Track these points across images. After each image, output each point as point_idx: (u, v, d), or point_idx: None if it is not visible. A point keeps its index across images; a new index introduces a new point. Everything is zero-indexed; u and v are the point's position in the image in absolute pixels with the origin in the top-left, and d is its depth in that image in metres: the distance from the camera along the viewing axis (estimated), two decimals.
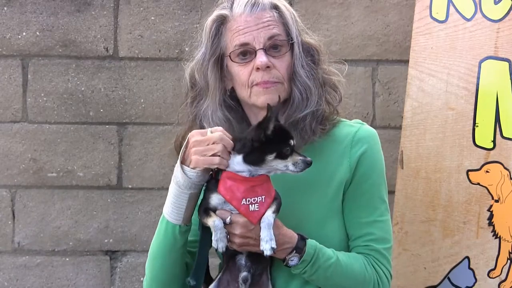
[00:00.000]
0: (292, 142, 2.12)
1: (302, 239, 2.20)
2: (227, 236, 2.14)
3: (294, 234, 2.19)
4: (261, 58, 2.24)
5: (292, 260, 2.18)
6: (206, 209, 2.16)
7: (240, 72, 2.28)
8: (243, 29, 2.26)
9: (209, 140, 2.13)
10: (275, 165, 2.11)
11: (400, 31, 3.48)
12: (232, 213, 2.13)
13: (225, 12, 2.31)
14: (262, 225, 2.11)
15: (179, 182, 2.19)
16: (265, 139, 2.10)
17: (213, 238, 2.13)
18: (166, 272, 2.31)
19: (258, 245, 2.12)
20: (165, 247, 2.28)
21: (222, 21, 2.31)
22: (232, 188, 2.12)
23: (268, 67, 2.25)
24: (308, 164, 2.11)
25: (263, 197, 2.12)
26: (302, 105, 2.28)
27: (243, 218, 2.12)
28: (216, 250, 2.15)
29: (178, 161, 2.18)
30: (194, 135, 2.16)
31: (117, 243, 3.51)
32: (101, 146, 3.50)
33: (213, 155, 2.12)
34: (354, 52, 3.49)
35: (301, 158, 2.11)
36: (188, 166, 2.16)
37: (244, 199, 2.11)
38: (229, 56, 2.29)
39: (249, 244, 2.15)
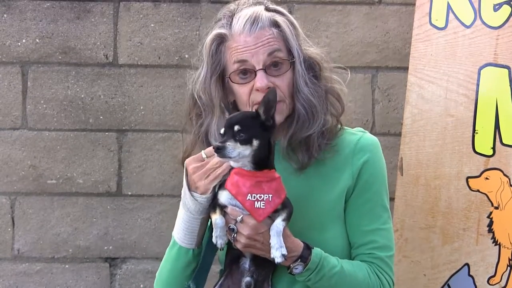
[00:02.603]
0: (222, 129, 2.11)
1: (308, 248, 2.19)
2: (234, 235, 2.13)
3: (300, 242, 2.19)
4: (261, 80, 2.21)
5: (296, 268, 2.18)
6: (214, 205, 2.17)
7: (241, 91, 2.26)
8: (242, 48, 2.23)
9: (207, 163, 2.17)
10: None
11: (399, 38, 3.49)
12: (243, 213, 2.13)
13: (223, 31, 2.27)
14: (271, 232, 2.11)
15: (190, 208, 2.21)
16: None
17: (213, 234, 2.15)
18: None
19: (263, 250, 2.14)
20: (178, 272, 2.30)
21: (221, 40, 2.28)
22: (238, 183, 2.12)
23: (268, 87, 2.21)
24: (215, 149, 2.07)
25: (270, 195, 2.11)
26: (308, 122, 2.25)
27: (253, 221, 2.12)
28: (216, 248, 2.16)
29: (186, 189, 2.20)
30: (191, 163, 2.20)
31: (116, 250, 3.51)
32: (100, 153, 3.50)
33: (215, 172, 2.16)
34: (353, 59, 3.49)
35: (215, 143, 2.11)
36: (197, 193, 2.19)
37: (249, 195, 2.10)
38: (229, 77, 2.27)
39: (255, 247, 2.16)
